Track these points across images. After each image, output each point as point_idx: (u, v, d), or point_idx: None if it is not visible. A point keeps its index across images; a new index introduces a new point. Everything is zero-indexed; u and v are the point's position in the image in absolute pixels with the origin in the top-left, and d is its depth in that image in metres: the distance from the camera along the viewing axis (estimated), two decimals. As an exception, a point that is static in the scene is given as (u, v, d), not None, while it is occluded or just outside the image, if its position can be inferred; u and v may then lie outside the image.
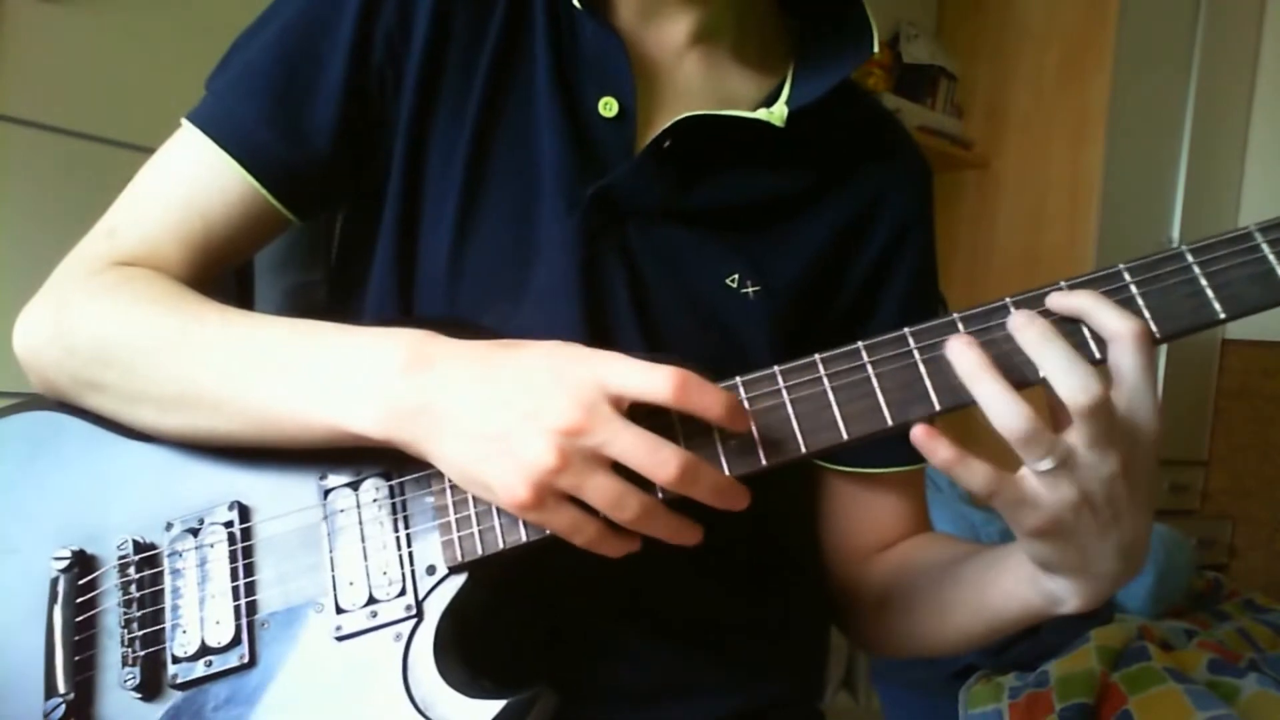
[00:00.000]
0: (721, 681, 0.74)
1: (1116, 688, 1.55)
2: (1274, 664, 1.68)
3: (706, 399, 0.58)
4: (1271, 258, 0.58)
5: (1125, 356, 0.57)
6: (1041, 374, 0.57)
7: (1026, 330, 0.57)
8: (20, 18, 1.51)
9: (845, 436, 0.60)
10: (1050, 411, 0.57)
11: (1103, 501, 0.57)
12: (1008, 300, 0.60)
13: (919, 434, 0.56)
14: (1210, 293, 0.58)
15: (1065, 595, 0.63)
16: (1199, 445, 3.32)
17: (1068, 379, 0.55)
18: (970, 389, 0.57)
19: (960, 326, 0.60)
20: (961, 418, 0.61)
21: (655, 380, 0.57)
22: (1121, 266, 0.60)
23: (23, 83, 1.52)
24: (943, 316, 0.61)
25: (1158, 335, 0.59)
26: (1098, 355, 0.58)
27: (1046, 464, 0.55)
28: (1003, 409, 0.55)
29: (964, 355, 0.57)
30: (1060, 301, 0.59)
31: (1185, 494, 3.27)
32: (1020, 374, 0.58)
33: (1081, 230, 2.82)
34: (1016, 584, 0.66)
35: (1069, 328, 0.59)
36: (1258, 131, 3.32)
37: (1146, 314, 0.59)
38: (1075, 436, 0.56)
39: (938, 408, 0.59)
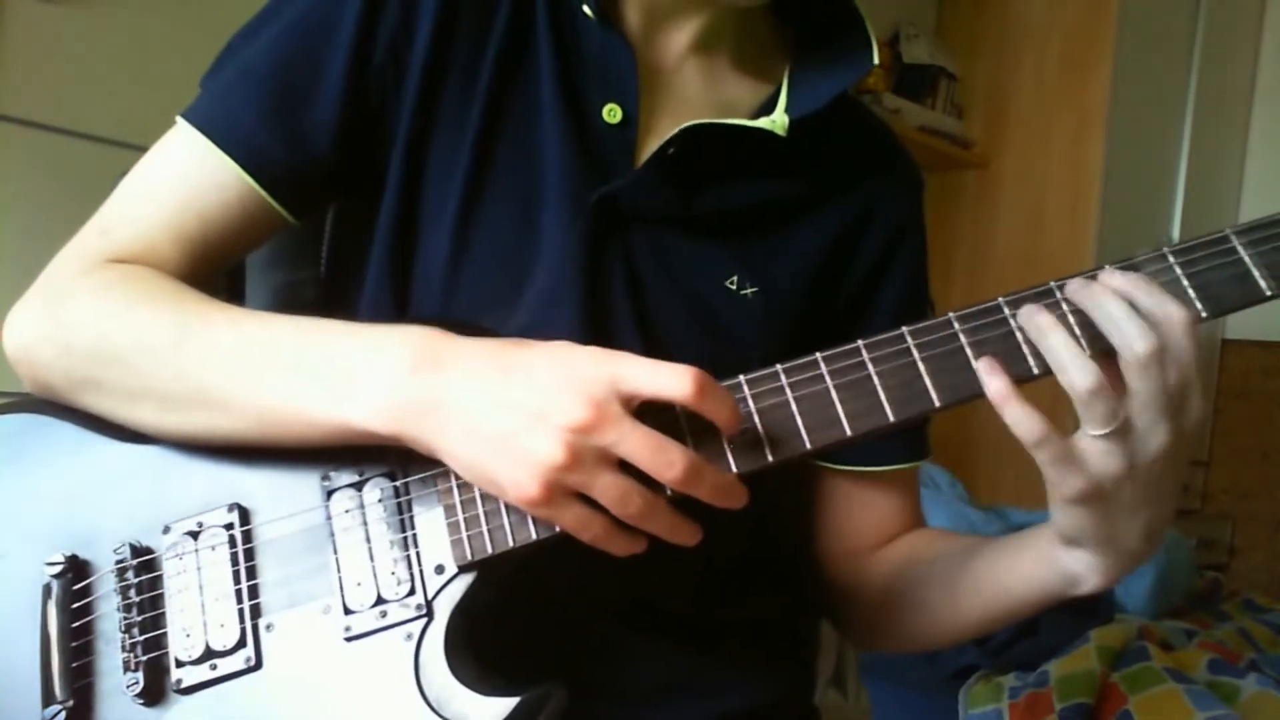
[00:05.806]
0: (722, 680, 0.75)
1: (1116, 688, 1.55)
2: (1274, 664, 1.68)
3: (720, 403, 0.59)
4: (1247, 259, 0.61)
5: (1180, 337, 0.58)
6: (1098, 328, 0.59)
7: (1095, 298, 0.59)
8: (20, 18, 1.50)
9: (849, 433, 0.61)
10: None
11: (1144, 476, 0.59)
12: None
13: (983, 365, 0.59)
14: (1192, 293, 0.61)
15: (1085, 573, 0.65)
16: (1199, 445, 3.32)
17: (1123, 331, 0.58)
18: (1040, 345, 0.60)
19: (956, 325, 0.62)
20: (967, 418, 0.61)
21: (674, 379, 0.58)
22: (1109, 267, 0.62)
23: (23, 83, 1.52)
24: (932, 318, 0.62)
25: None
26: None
27: (1107, 428, 0.57)
28: (1071, 365, 0.58)
29: (1037, 315, 0.60)
30: (1114, 280, 0.61)
31: (1185, 494, 3.27)
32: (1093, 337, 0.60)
33: (1081, 230, 2.82)
34: (1036, 565, 0.68)
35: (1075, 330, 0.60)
36: (1258, 131, 3.32)
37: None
38: (1133, 400, 0.57)
39: (937, 404, 0.61)
